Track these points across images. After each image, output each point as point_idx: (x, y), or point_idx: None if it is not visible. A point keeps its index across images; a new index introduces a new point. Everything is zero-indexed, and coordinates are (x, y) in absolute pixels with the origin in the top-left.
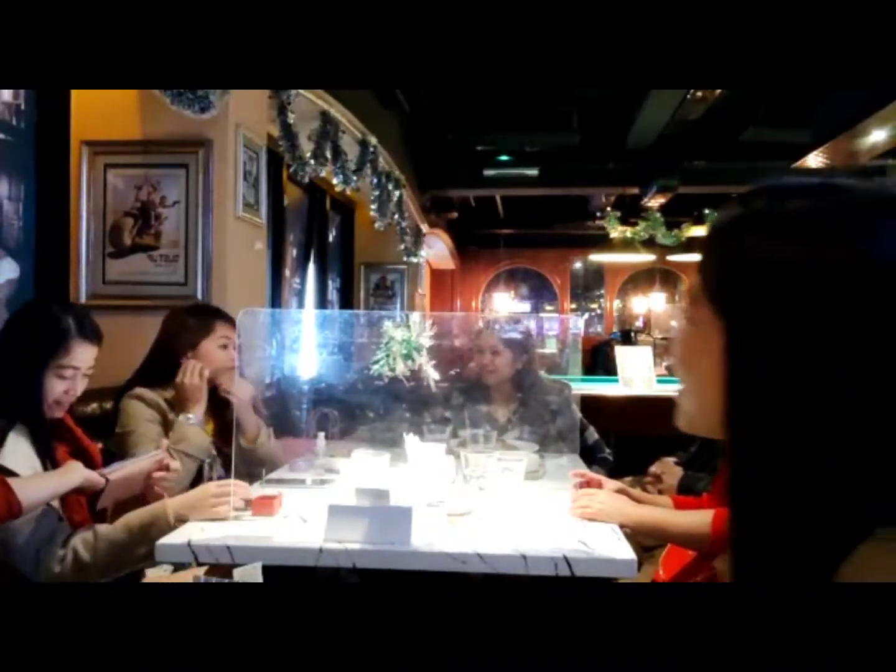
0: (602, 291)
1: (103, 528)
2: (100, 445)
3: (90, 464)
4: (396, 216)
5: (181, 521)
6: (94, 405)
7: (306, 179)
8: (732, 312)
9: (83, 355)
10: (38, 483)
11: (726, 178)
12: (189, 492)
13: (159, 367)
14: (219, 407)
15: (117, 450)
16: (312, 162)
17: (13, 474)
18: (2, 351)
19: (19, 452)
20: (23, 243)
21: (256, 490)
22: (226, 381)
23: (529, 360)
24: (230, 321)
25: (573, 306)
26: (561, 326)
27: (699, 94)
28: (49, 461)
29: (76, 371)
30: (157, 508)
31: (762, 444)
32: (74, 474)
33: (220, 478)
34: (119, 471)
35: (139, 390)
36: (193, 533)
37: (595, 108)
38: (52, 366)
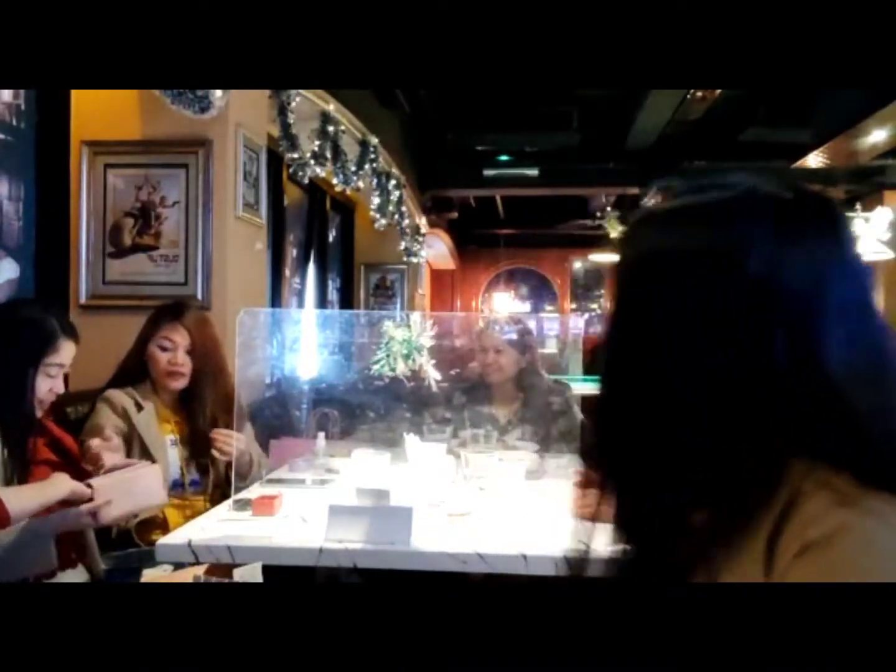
0: (602, 291)
1: None
2: None
3: (72, 462)
4: (396, 216)
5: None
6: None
7: (306, 179)
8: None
9: (68, 353)
10: (25, 494)
11: None
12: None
13: (129, 365)
14: (191, 413)
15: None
16: (312, 162)
17: None
18: None
19: None
20: (23, 243)
21: (257, 490)
22: (170, 383)
23: (532, 360)
24: (179, 323)
25: (573, 306)
26: (561, 327)
27: (699, 94)
28: (18, 462)
29: (61, 369)
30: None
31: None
32: (61, 486)
33: (193, 482)
34: (104, 478)
35: (108, 392)
36: (194, 533)
37: (595, 108)
38: (41, 364)
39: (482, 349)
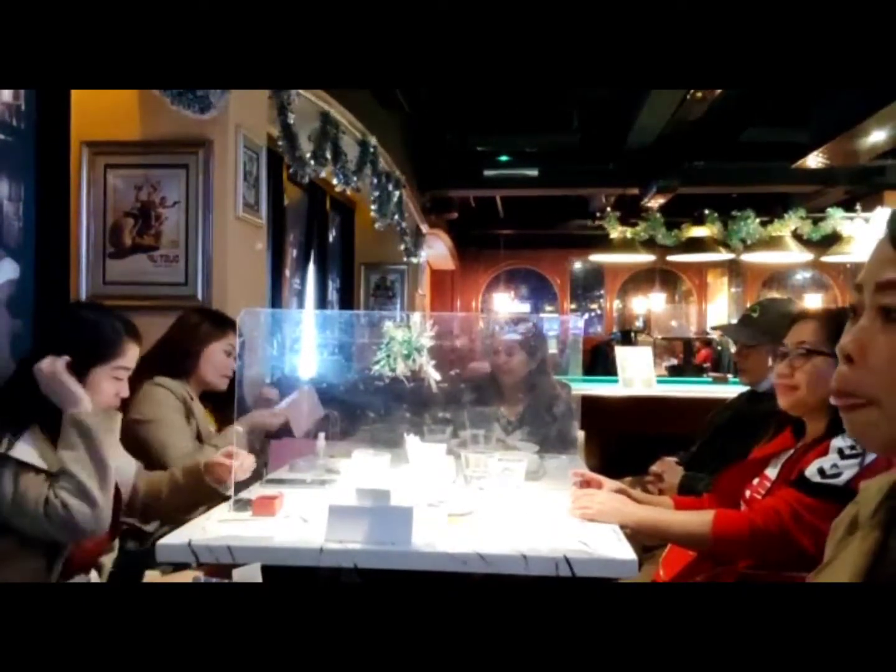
0: (602, 292)
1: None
2: None
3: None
4: (396, 216)
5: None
6: None
7: (306, 180)
8: None
9: (133, 355)
10: None
11: (726, 178)
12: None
13: (172, 358)
14: (225, 412)
15: (138, 437)
16: (312, 162)
17: (27, 465)
18: (50, 353)
19: (37, 450)
20: (23, 244)
21: (257, 490)
22: (222, 384)
23: (542, 361)
24: (235, 333)
25: (573, 307)
26: (561, 327)
27: (699, 94)
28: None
29: (126, 372)
30: (193, 467)
31: None
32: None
33: None
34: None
35: (162, 379)
36: (194, 533)
37: (595, 108)
38: (108, 367)
39: (494, 351)
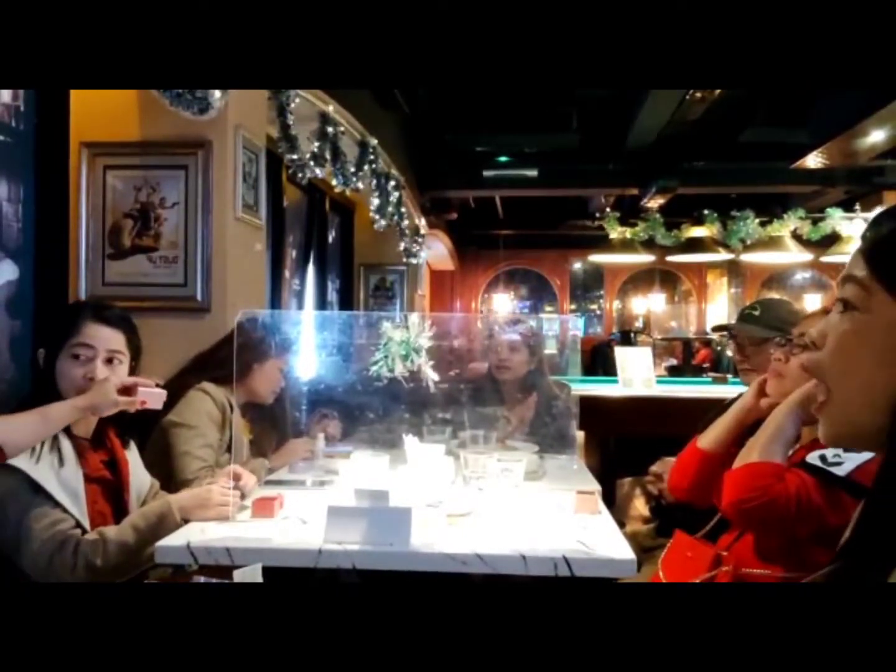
0: (601, 292)
1: (111, 532)
2: None
3: (118, 474)
4: (396, 217)
5: (185, 519)
6: None
7: (305, 181)
8: None
9: (96, 334)
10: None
11: (726, 179)
12: (193, 490)
13: (224, 365)
14: (264, 422)
15: (167, 437)
16: (312, 163)
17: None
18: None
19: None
20: (22, 245)
21: (256, 491)
22: (271, 398)
23: (540, 362)
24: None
25: (573, 307)
26: (561, 327)
27: (699, 94)
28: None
29: (92, 350)
30: (162, 507)
31: None
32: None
33: None
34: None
35: (208, 385)
36: (193, 535)
37: (595, 108)
38: (67, 347)
39: (494, 348)
